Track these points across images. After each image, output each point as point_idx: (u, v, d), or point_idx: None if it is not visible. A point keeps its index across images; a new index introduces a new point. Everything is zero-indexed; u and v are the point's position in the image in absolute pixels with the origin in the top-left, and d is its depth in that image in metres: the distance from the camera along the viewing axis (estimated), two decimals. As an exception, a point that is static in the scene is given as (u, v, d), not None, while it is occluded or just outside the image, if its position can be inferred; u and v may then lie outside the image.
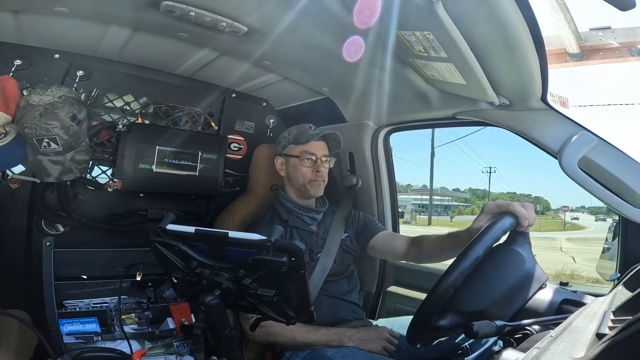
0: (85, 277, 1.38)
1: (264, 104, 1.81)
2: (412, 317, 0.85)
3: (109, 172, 1.53)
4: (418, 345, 0.87)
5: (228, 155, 1.73)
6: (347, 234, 1.45)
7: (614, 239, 1.20)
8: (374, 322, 1.41)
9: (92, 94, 1.48)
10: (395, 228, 1.72)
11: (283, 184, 1.45)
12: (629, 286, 0.53)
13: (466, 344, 1.19)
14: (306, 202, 1.41)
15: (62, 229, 1.46)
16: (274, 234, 0.82)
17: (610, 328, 0.36)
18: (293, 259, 0.79)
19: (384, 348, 1.22)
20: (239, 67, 1.47)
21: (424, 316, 0.83)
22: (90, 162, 1.47)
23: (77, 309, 1.29)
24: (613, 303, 0.46)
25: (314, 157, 1.38)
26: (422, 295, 0.86)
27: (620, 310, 0.40)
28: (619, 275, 0.84)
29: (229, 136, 1.75)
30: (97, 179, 1.53)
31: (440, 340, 1.08)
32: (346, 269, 1.40)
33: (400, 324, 1.32)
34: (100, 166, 1.53)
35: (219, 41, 1.25)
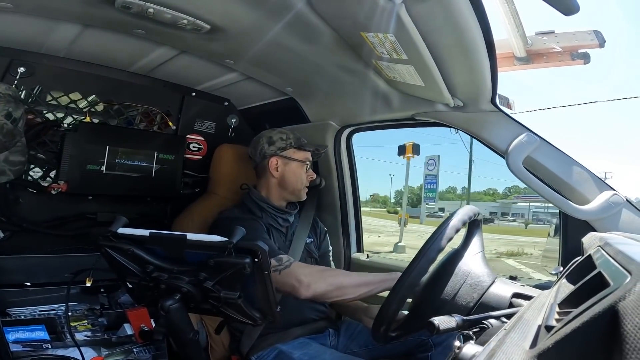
0: (29, 284, 1.29)
1: (226, 103, 1.77)
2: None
3: (53, 173, 1.41)
4: (383, 343, 0.89)
5: (187, 155, 1.67)
6: (312, 239, 1.45)
7: (555, 234, 1.29)
8: (339, 322, 1.42)
9: (34, 91, 1.37)
10: (358, 226, 1.75)
11: (260, 184, 1.42)
12: (570, 279, 0.57)
13: (430, 339, 1.22)
14: (280, 204, 1.40)
15: (1, 235, 1.33)
16: (236, 235, 0.80)
17: (557, 320, 0.38)
18: (256, 260, 0.78)
19: None
20: (199, 66, 1.43)
21: (387, 314, 0.84)
22: (32, 163, 1.37)
23: (23, 317, 1.21)
24: (558, 296, 0.49)
25: (310, 164, 1.43)
26: (387, 293, 0.87)
27: (565, 302, 0.43)
28: (561, 269, 0.91)
29: (188, 136, 1.69)
30: (39, 180, 1.41)
31: (404, 336, 1.10)
32: None
33: None
34: (43, 168, 1.41)
35: (179, 39, 1.20)
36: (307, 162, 1.42)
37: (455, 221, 0.84)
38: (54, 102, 1.41)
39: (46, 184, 1.39)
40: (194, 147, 1.72)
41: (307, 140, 1.46)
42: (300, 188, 1.40)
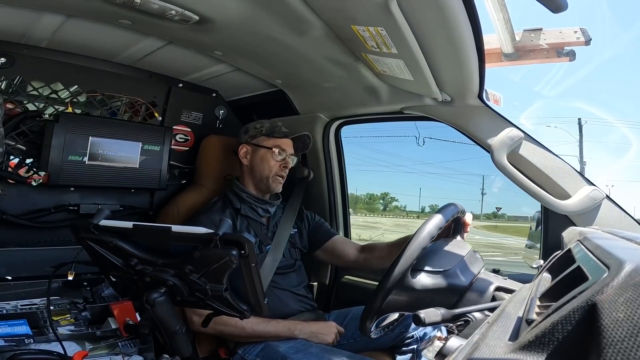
0: (10, 277, 1.25)
1: (214, 94, 1.74)
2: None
3: (34, 164, 1.37)
4: (371, 335, 0.89)
5: (173, 146, 1.64)
6: (296, 230, 1.45)
7: (536, 228, 1.31)
8: (327, 314, 1.43)
9: (15, 82, 1.33)
10: (346, 219, 1.76)
11: (240, 174, 1.42)
12: (551, 273, 0.58)
13: (415, 332, 1.24)
14: (261, 194, 1.39)
15: None
16: (222, 227, 0.79)
17: (538, 314, 0.39)
18: (243, 252, 0.77)
19: (333, 340, 1.24)
20: (187, 57, 1.40)
21: (374, 307, 0.85)
22: (10, 154, 1.32)
23: (4, 311, 1.18)
24: (538, 289, 0.50)
25: (284, 153, 1.38)
26: (375, 285, 0.88)
27: (545, 296, 0.44)
28: (542, 262, 0.93)
29: (174, 127, 1.65)
30: (19, 171, 1.36)
31: (391, 330, 1.12)
32: (294, 263, 1.41)
33: (353, 314, 1.35)
34: (23, 158, 1.36)
35: (166, 29, 1.17)
36: (278, 150, 1.37)
37: (438, 218, 0.85)
38: (34, 92, 1.37)
39: (26, 175, 1.35)
40: (180, 138, 1.69)
41: (295, 132, 1.44)
42: (268, 176, 1.36)
